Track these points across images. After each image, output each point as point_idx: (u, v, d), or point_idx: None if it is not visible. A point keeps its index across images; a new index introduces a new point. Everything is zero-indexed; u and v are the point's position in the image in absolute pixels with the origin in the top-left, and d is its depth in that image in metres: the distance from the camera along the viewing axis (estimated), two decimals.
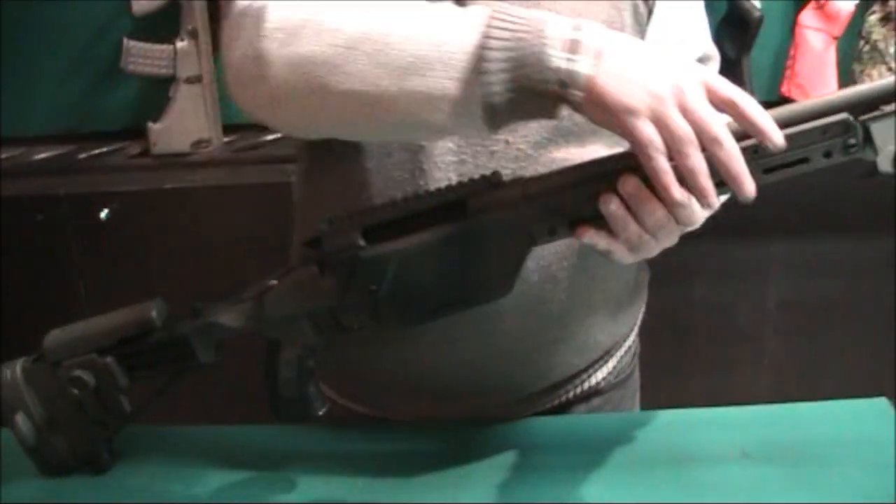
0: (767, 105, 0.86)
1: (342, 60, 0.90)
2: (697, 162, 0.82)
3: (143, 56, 2.04)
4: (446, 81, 0.86)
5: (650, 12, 1.14)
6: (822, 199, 2.11)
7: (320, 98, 0.92)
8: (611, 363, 1.25)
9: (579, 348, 1.21)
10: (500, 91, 0.86)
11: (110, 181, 2.05)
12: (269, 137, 2.13)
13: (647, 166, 0.83)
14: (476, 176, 0.95)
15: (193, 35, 2.04)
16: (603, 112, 0.84)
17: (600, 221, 0.90)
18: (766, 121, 0.83)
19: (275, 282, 1.02)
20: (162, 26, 2.03)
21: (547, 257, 1.11)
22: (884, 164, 0.86)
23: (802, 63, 2.22)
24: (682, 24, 1.19)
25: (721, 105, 0.83)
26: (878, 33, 2.20)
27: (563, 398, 1.22)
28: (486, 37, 0.85)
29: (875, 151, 0.85)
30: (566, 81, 0.84)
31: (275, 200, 2.03)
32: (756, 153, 0.84)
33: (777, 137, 0.83)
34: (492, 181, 0.93)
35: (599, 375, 1.24)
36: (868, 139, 0.85)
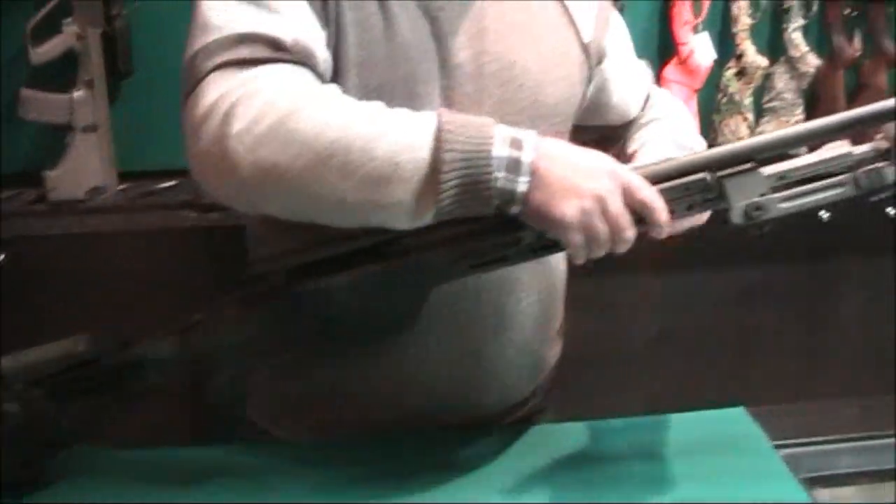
0: None
1: (308, 174, 0.97)
2: (603, 253, 1.00)
3: (39, 105, 2.06)
4: (404, 196, 0.97)
5: (591, 76, 1.29)
6: (688, 237, 2.25)
7: (284, 200, 1.00)
8: (544, 385, 1.37)
9: (541, 368, 1.34)
10: (451, 203, 0.97)
11: (6, 226, 2.06)
12: (164, 185, 2.17)
13: (572, 256, 1.00)
14: None
15: (90, 85, 2.07)
16: (538, 221, 0.99)
17: (503, 263, 1.03)
18: (662, 215, 1.00)
19: (202, 315, 1.09)
20: (59, 76, 2.06)
21: (511, 283, 1.21)
22: (735, 217, 1.01)
23: None
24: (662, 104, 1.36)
25: (635, 205, 0.99)
26: (734, 87, 2.37)
27: (511, 417, 1.32)
28: (439, 154, 0.96)
29: (728, 206, 1.00)
30: (507, 199, 0.98)
31: (170, 246, 2.08)
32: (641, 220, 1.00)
33: (662, 231, 1.01)
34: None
35: (538, 397, 1.36)
36: (723, 194, 1.00)
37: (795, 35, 2.40)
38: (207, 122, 0.99)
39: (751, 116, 2.39)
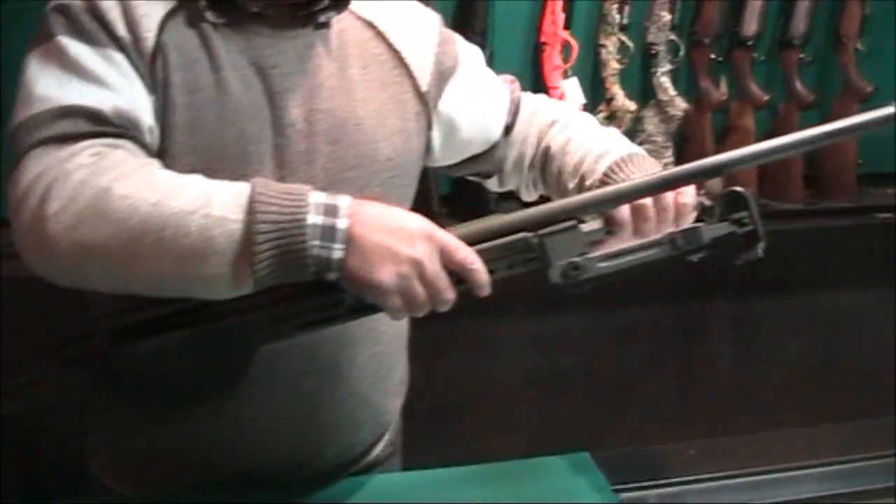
0: None
1: (124, 253, 0.97)
2: (424, 313, 1.01)
3: None
4: (220, 269, 0.97)
5: (429, 123, 1.29)
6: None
7: (104, 278, 1.01)
8: (386, 436, 1.35)
9: (381, 420, 1.32)
10: (268, 273, 0.97)
11: None
12: None
13: (391, 316, 1.01)
14: None
15: None
16: (356, 287, 0.99)
17: (328, 324, 1.03)
18: (480, 276, 1.01)
19: (25, 377, 1.07)
20: None
21: (345, 338, 1.21)
22: (554, 277, 1.02)
23: None
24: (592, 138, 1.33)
25: (452, 266, 1.00)
26: None
27: (352, 470, 1.32)
28: (252, 226, 0.96)
29: (548, 264, 1.01)
30: (323, 266, 0.98)
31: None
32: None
33: (483, 290, 1.02)
34: None
35: (379, 448, 1.35)
36: (544, 254, 1.01)
37: (664, 79, 2.46)
38: (26, 201, 0.99)
39: None
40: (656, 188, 1.09)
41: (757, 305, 2.51)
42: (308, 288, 1.01)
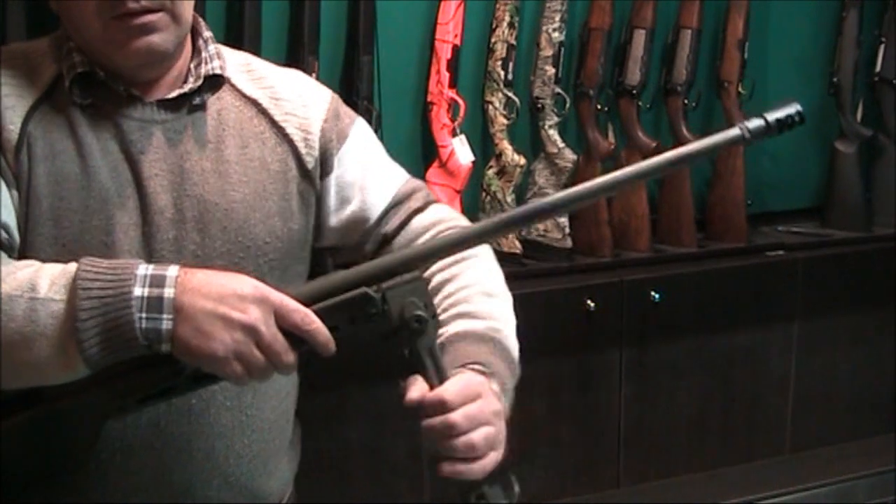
0: None
1: None
2: (267, 378, 0.99)
3: None
4: (47, 351, 0.95)
5: (316, 200, 1.26)
6: None
7: None
8: None
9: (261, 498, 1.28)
10: (97, 352, 0.96)
11: None
12: None
13: (234, 383, 1.00)
14: None
15: None
16: (190, 358, 0.97)
17: (170, 395, 1.01)
18: (319, 335, 0.99)
19: None
20: None
21: (224, 431, 1.19)
22: (395, 330, 1.01)
23: None
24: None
25: (289, 328, 0.99)
26: (496, 185, 2.43)
27: None
28: (75, 302, 0.95)
29: (391, 318, 1.01)
30: (154, 339, 0.96)
31: None
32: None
33: (327, 349, 1.01)
34: None
35: None
36: (386, 306, 1.00)
37: (552, 132, 2.49)
38: None
39: None
40: (488, 234, 1.09)
41: (653, 350, 2.53)
42: (145, 360, 0.99)
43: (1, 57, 1.14)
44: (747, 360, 2.59)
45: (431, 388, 1.02)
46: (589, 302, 2.40)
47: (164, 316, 0.96)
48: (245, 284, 0.99)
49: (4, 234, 1.07)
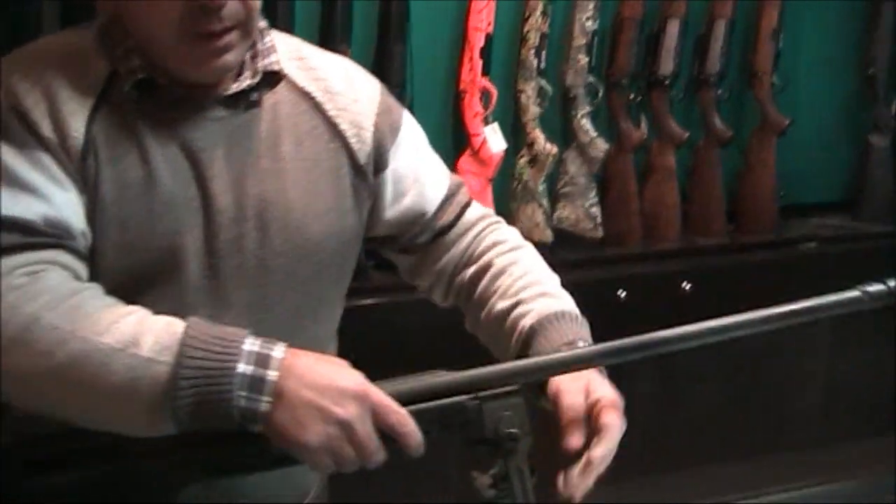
0: None
1: (47, 384, 0.97)
2: (352, 470, 0.98)
3: None
4: (140, 409, 0.95)
5: (370, 195, 1.25)
6: None
7: (27, 402, 1.00)
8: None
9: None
10: (188, 420, 0.95)
11: None
12: None
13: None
14: None
15: None
16: (280, 442, 0.97)
17: (248, 472, 1.02)
18: (412, 439, 0.98)
19: None
20: None
21: None
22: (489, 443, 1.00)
23: None
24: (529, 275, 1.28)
25: (384, 428, 0.98)
26: (527, 174, 2.42)
27: None
28: (177, 370, 0.95)
29: (484, 431, 0.99)
30: (248, 418, 0.96)
31: None
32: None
33: (417, 452, 0.99)
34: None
35: None
36: (481, 418, 0.99)
37: (584, 121, 2.48)
38: None
39: (546, 202, 2.44)
40: (603, 358, 1.07)
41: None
42: (231, 434, 0.98)
43: (46, 56, 1.11)
44: (776, 353, 2.58)
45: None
46: (619, 292, 2.40)
47: (264, 398, 0.95)
48: (348, 378, 0.99)
49: (82, 242, 1.06)
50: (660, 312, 2.47)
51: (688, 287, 2.46)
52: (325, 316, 1.26)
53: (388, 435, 0.98)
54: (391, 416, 0.98)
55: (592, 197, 2.50)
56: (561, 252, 2.46)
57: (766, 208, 2.70)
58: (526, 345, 1.19)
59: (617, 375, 2.39)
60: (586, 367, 1.08)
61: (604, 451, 1.07)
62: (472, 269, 1.32)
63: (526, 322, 1.20)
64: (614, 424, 1.09)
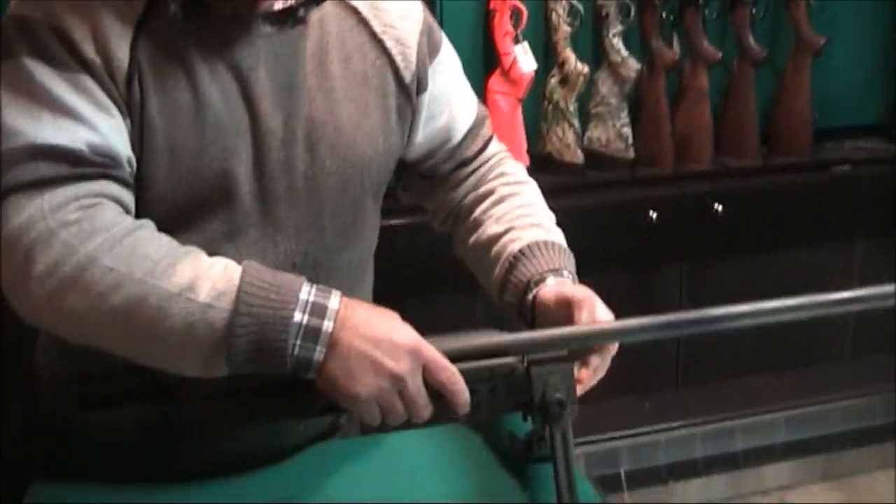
0: None
1: (103, 326, 0.97)
2: (398, 423, 1.00)
3: None
4: (196, 353, 0.96)
5: (412, 114, 1.24)
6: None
7: (81, 340, 1.01)
8: None
9: None
10: (242, 365, 0.96)
11: None
12: None
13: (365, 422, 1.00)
14: None
15: None
16: (332, 391, 0.97)
17: (295, 418, 1.04)
18: (460, 396, 0.99)
19: None
20: None
21: None
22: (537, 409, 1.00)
23: (494, 124, 2.37)
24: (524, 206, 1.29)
25: (434, 383, 0.99)
26: (558, 94, 2.40)
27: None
28: (234, 317, 0.95)
29: (531, 395, 0.99)
30: (301, 366, 0.96)
31: None
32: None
33: (463, 410, 1.00)
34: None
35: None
36: (529, 383, 0.99)
37: (615, 41, 2.45)
38: (10, 253, 0.97)
39: (577, 123, 2.43)
40: (652, 331, 1.07)
41: (713, 264, 2.52)
42: (283, 382, 0.99)
43: None
44: (809, 275, 2.57)
45: (557, 477, 1.00)
46: (650, 214, 2.39)
47: (318, 348, 0.96)
48: (402, 332, 0.99)
49: (129, 170, 1.05)
50: (691, 234, 2.48)
51: (719, 209, 2.45)
52: (368, 234, 1.27)
53: (435, 392, 0.99)
54: (442, 372, 0.99)
55: (624, 117, 2.48)
56: (591, 173, 2.45)
57: (801, 130, 2.66)
58: (512, 267, 1.20)
59: (652, 292, 2.41)
60: (635, 339, 1.08)
61: (597, 361, 1.10)
62: (473, 195, 1.33)
63: (514, 247, 1.22)
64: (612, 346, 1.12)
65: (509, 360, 1.01)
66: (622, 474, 2.10)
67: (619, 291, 2.38)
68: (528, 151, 2.38)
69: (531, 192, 1.32)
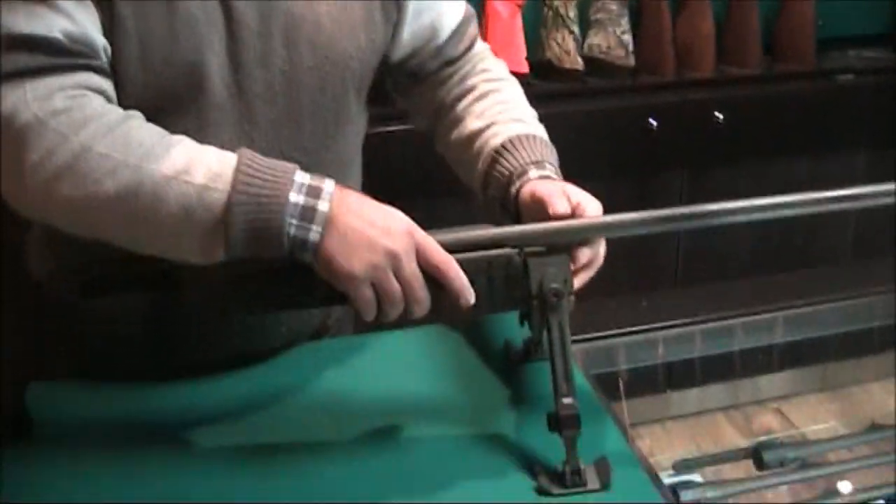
0: None
1: (99, 215, 0.96)
2: (397, 313, 0.99)
3: None
4: (191, 236, 0.95)
5: (397, 10, 1.21)
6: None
7: (77, 229, 0.99)
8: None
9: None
10: (239, 248, 0.95)
11: None
12: None
13: (359, 310, 0.99)
14: None
15: None
16: (328, 273, 0.96)
17: (295, 308, 1.02)
18: (461, 284, 0.99)
19: None
20: None
21: None
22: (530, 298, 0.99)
23: (493, 31, 2.37)
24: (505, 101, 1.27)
25: (429, 268, 0.98)
26: (558, 1, 2.37)
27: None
28: (231, 199, 0.94)
29: (528, 282, 0.98)
30: (298, 246, 0.95)
31: None
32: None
33: (467, 298, 0.99)
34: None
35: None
36: (526, 273, 0.97)
37: None
38: (2, 135, 0.96)
39: (577, 29, 2.40)
40: (649, 225, 1.05)
41: (714, 171, 2.51)
42: (279, 269, 0.98)
43: None
44: (810, 183, 2.54)
45: (553, 359, 1.00)
46: (650, 121, 2.37)
47: (314, 227, 0.95)
48: (396, 216, 0.98)
49: (104, 58, 1.03)
50: (692, 142, 2.46)
51: (721, 117, 2.43)
52: (351, 131, 1.25)
53: (435, 283, 0.98)
54: (435, 255, 0.98)
55: (625, 24, 2.44)
56: (592, 80, 2.42)
57: (804, 39, 2.63)
58: (495, 161, 1.20)
59: (652, 199, 2.41)
60: (630, 232, 1.07)
61: (588, 254, 1.08)
62: (456, 91, 1.31)
63: (496, 141, 1.21)
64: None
65: (506, 251, 1.00)
66: (621, 386, 2.12)
67: (620, 199, 2.37)
68: (527, 58, 2.35)
69: (512, 89, 1.31)
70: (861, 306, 1.82)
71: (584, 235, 1.07)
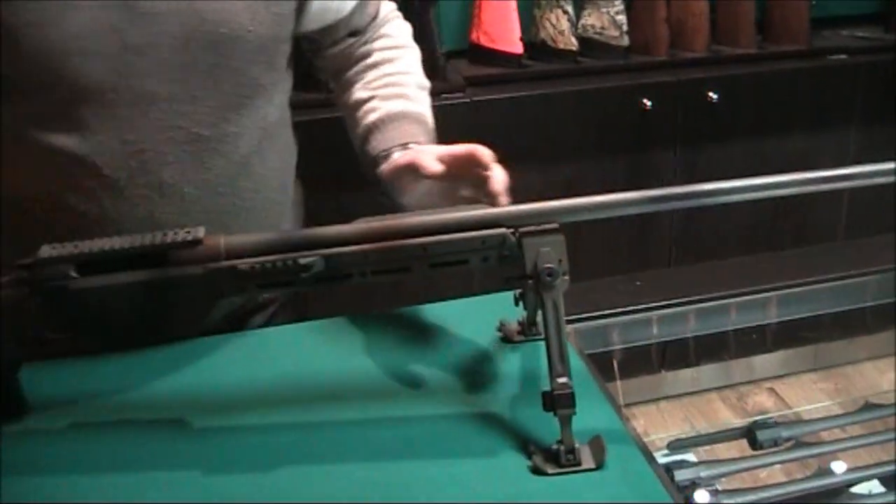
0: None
1: None
2: None
3: None
4: None
5: (301, 10, 1.21)
6: None
7: None
8: None
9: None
10: None
11: None
12: None
13: None
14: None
15: None
16: None
17: (290, 288, 1.00)
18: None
19: None
20: None
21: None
22: (525, 278, 0.97)
23: (487, 12, 2.36)
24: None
25: None
26: None
27: None
28: None
29: (523, 261, 0.97)
30: None
31: None
32: (425, 251, 0.97)
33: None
34: (194, 239, 0.99)
35: None
36: (521, 252, 0.97)
37: None
38: None
39: (570, 9, 2.38)
40: (645, 204, 1.03)
41: (707, 151, 2.51)
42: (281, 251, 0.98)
43: None
44: (802, 163, 2.54)
45: (548, 338, 1.00)
46: (644, 101, 2.36)
47: None
48: None
49: None
50: (685, 122, 2.46)
51: (714, 97, 2.43)
52: (262, 104, 1.20)
53: None
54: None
55: (618, 4, 2.44)
56: (585, 60, 2.41)
57: (798, 19, 2.62)
58: (366, 139, 1.23)
59: (646, 179, 2.41)
60: (624, 212, 1.06)
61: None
62: (354, 56, 1.33)
63: (371, 117, 1.24)
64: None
65: (500, 230, 1.00)
66: (615, 366, 2.12)
67: (613, 178, 2.39)
68: (521, 39, 2.34)
69: (407, 58, 1.32)
70: (855, 286, 1.81)
71: (580, 216, 1.07)
